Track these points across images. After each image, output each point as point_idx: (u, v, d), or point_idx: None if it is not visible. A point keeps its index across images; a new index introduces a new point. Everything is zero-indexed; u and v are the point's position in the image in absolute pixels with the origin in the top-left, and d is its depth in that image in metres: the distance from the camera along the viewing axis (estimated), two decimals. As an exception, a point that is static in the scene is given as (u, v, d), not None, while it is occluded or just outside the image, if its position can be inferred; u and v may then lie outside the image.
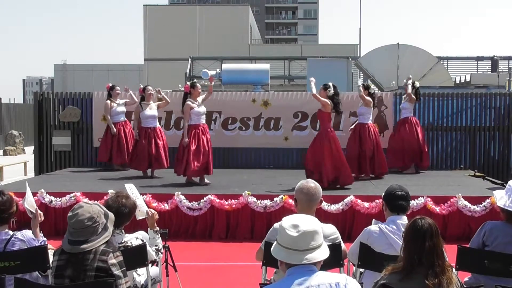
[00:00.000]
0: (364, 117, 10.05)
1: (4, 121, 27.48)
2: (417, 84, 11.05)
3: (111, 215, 3.65)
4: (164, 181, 9.75)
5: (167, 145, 10.18)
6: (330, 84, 9.01)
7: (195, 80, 9.58)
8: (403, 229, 3.59)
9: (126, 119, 11.16)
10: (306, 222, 2.73)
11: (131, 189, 4.84)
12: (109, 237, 3.49)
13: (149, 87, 10.27)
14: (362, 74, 21.08)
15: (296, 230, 2.67)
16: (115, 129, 10.86)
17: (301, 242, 2.65)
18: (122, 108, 11.11)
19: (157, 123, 10.22)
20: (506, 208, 4.13)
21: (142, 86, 10.32)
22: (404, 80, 11.06)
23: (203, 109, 9.10)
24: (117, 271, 3.35)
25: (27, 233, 4.14)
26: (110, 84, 11.29)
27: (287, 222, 2.72)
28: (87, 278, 3.32)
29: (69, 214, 3.49)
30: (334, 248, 4.10)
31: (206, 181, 9.15)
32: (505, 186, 4.40)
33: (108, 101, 10.95)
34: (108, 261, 3.35)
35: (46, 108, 12.30)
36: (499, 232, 4.11)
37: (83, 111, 12.13)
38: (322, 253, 2.69)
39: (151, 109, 10.07)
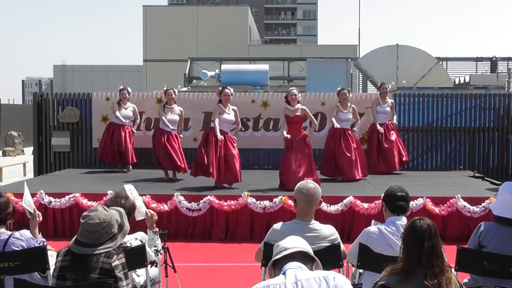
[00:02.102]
0: (349, 123, 10.16)
1: (3, 122, 27.49)
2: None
3: (126, 228, 3.66)
4: (163, 182, 9.76)
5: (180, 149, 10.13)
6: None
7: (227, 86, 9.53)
8: (402, 230, 3.59)
9: (129, 124, 11.06)
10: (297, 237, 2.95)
11: (130, 189, 4.84)
12: (112, 248, 3.45)
13: (171, 91, 10.15)
14: (361, 75, 21.10)
15: (285, 239, 2.89)
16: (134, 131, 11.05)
17: (284, 243, 2.83)
18: (128, 113, 11.01)
19: (175, 127, 10.12)
20: (492, 211, 4.20)
21: (165, 89, 10.25)
22: (391, 85, 11.24)
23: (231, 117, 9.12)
24: (119, 273, 3.35)
25: (25, 233, 4.13)
26: (121, 87, 11.23)
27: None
28: (90, 280, 3.31)
29: (84, 213, 3.52)
30: (333, 248, 4.10)
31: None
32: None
33: (115, 102, 11.01)
34: (112, 263, 3.36)
35: (46, 109, 12.30)
36: (495, 232, 4.11)
37: (83, 112, 12.12)
38: (302, 247, 2.79)
39: (172, 113, 10.05)
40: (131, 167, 11.18)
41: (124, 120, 10.90)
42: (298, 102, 9.02)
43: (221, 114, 8.97)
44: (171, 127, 9.97)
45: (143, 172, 10.92)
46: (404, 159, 11.04)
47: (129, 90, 11.21)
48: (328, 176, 10.15)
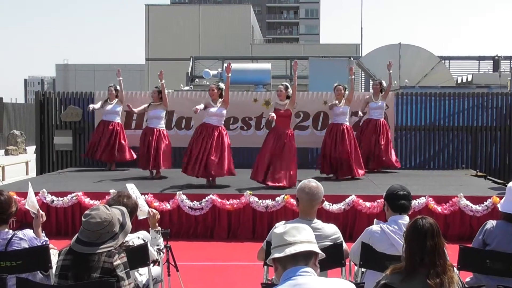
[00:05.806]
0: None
1: (5, 121, 27.38)
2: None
3: (128, 227, 3.66)
4: (165, 180, 9.76)
5: (168, 147, 10.10)
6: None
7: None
8: (404, 229, 3.60)
9: (119, 121, 11.08)
10: (295, 223, 2.78)
11: (132, 189, 4.84)
12: (113, 248, 3.45)
13: (155, 89, 10.30)
14: (363, 74, 21.07)
15: (283, 227, 2.70)
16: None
17: (286, 236, 2.64)
18: (116, 108, 11.02)
19: (161, 124, 10.16)
20: (500, 209, 4.19)
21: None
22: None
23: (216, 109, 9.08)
24: (120, 273, 3.35)
25: (28, 233, 4.13)
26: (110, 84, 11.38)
27: (278, 227, 2.81)
28: (92, 279, 3.31)
29: (86, 212, 3.53)
30: (336, 247, 4.10)
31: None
32: (506, 186, 4.43)
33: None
34: (114, 263, 3.36)
35: (48, 108, 12.31)
36: (499, 230, 4.12)
37: (85, 110, 12.10)
38: (306, 247, 2.60)
39: (156, 110, 10.10)
40: (115, 165, 11.23)
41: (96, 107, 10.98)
42: (288, 97, 9.03)
43: (208, 107, 9.02)
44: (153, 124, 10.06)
45: (144, 171, 10.91)
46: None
47: (117, 87, 11.10)
48: (327, 175, 10.11)
